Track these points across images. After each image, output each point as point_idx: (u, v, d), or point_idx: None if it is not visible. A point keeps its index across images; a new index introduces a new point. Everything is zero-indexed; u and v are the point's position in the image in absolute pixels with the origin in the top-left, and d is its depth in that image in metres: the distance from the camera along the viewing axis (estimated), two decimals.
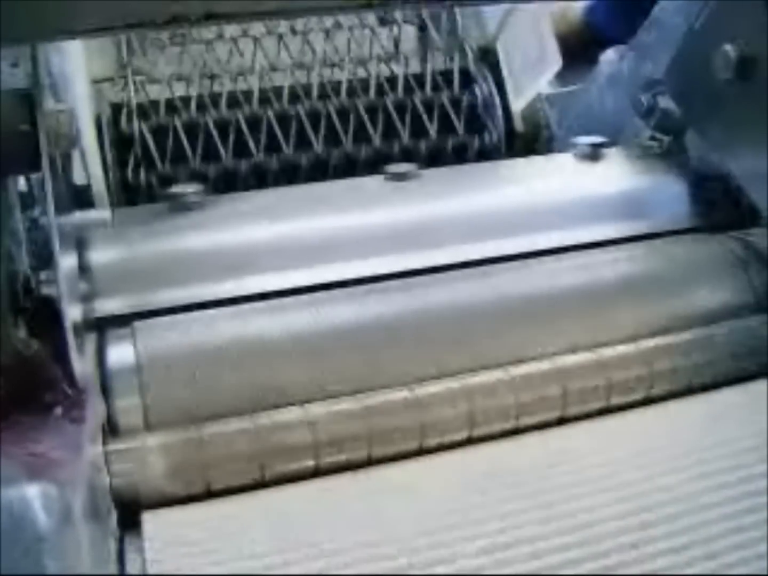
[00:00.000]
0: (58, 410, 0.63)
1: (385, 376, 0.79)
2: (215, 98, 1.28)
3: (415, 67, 1.39)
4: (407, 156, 1.28)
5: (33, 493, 0.46)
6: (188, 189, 0.97)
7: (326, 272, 0.89)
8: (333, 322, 0.82)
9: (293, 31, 1.35)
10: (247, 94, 1.29)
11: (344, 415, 0.75)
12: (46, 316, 0.83)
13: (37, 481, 0.47)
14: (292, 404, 0.75)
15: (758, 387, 0.81)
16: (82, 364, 0.68)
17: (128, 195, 1.23)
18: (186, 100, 1.29)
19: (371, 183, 1.02)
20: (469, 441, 0.78)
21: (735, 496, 0.70)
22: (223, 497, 0.72)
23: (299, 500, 0.71)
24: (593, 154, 1.06)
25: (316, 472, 0.74)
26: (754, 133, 0.97)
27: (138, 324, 0.82)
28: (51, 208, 0.76)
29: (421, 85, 1.34)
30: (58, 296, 0.71)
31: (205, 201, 0.97)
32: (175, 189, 0.98)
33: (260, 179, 1.26)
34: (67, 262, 0.76)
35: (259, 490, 0.73)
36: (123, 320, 0.84)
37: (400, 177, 1.00)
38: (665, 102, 1.13)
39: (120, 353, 0.78)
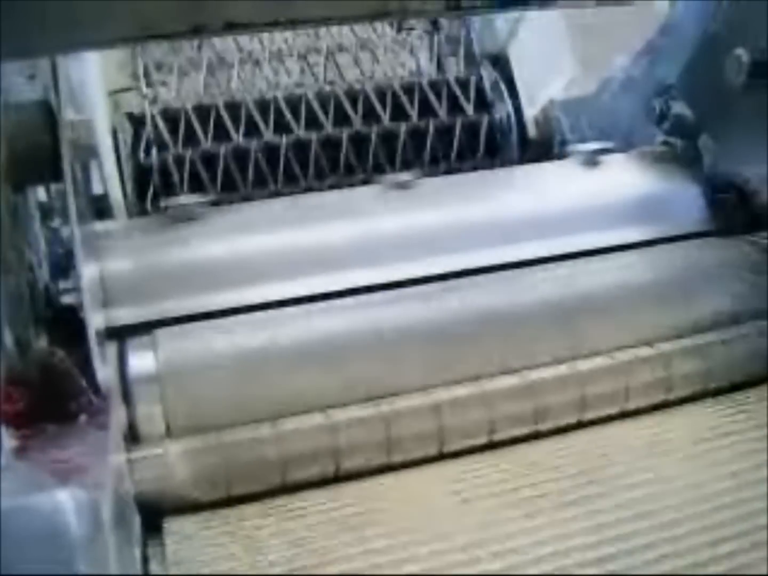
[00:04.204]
0: (83, 418, 0.63)
1: (403, 382, 0.79)
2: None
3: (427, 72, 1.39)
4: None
5: (65, 498, 0.47)
6: (195, 199, 0.98)
7: (334, 281, 0.89)
8: (349, 329, 0.82)
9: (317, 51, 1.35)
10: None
11: (364, 421, 0.76)
12: (67, 325, 0.84)
13: (67, 486, 0.48)
14: (312, 411, 0.76)
15: None
16: (105, 372, 0.69)
17: (143, 205, 1.23)
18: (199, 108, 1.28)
19: (372, 192, 1.02)
20: (492, 445, 0.79)
21: None
22: (245, 502, 0.72)
23: (317, 506, 0.71)
24: (597, 160, 1.06)
25: (336, 478, 0.75)
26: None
27: (158, 332, 0.82)
28: (73, 217, 0.77)
29: (436, 92, 1.34)
30: (82, 306, 0.72)
31: (209, 211, 0.97)
32: (183, 200, 0.98)
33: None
34: (89, 271, 0.77)
35: (279, 494, 0.73)
36: (139, 329, 0.85)
37: (403, 186, 1.01)
38: (678, 107, 1.13)
39: (141, 361, 0.79)
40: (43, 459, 0.56)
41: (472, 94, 1.33)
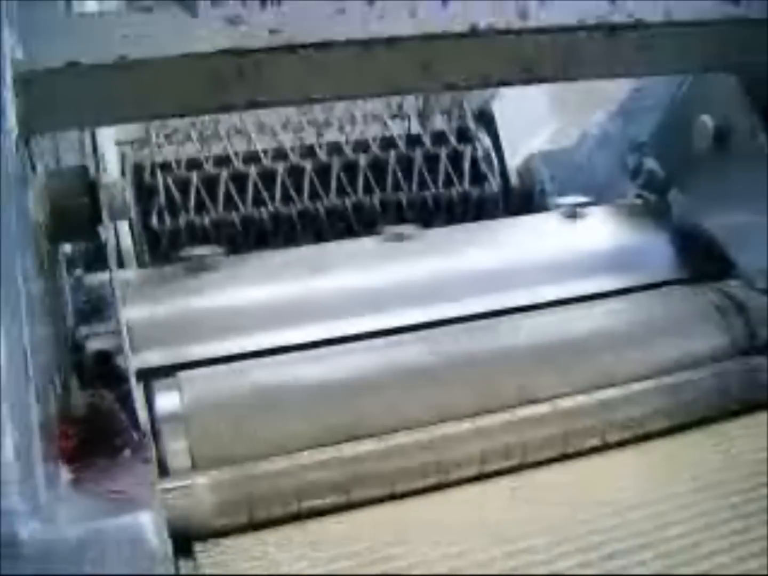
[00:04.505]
0: (127, 452, 0.71)
1: (408, 419, 0.88)
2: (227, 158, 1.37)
3: (415, 127, 1.48)
4: (412, 208, 1.39)
5: (146, 519, 0.55)
6: (205, 251, 1.07)
7: (339, 327, 0.98)
8: (357, 370, 0.91)
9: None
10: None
11: (372, 455, 0.84)
12: (95, 368, 0.92)
13: (139, 511, 0.56)
14: (326, 445, 0.85)
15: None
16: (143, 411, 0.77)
17: (153, 253, 1.32)
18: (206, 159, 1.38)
19: (372, 243, 1.11)
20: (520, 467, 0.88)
21: None
22: (267, 528, 0.81)
23: (339, 529, 0.80)
24: (577, 213, 1.15)
25: (349, 506, 0.83)
26: (730, 194, 1.08)
27: (182, 374, 0.91)
28: (113, 267, 0.85)
29: (422, 143, 1.45)
30: (121, 350, 0.80)
31: (221, 261, 1.06)
32: (195, 251, 1.07)
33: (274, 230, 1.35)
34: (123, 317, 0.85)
35: (297, 521, 0.82)
36: (163, 372, 0.93)
37: (400, 237, 1.10)
38: (650, 163, 1.23)
39: (167, 401, 0.87)
40: (99, 490, 0.64)
41: (466, 164, 1.44)
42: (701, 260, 1.11)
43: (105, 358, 0.90)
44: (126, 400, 0.76)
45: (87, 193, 0.82)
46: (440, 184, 1.42)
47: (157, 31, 0.74)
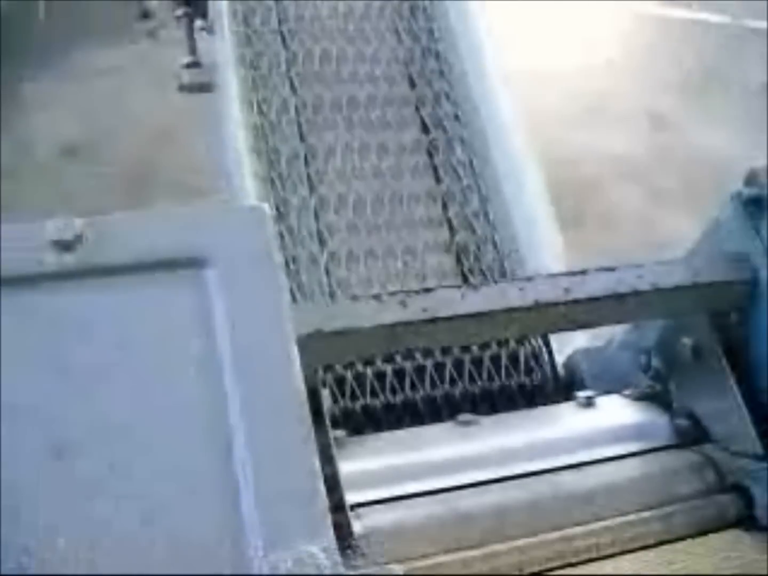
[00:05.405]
0: None
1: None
2: None
3: None
4: (483, 398, 1.95)
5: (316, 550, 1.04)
6: (337, 433, 1.56)
7: (442, 482, 1.50)
8: (476, 506, 1.46)
9: None
10: None
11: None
12: None
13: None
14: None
15: None
16: None
17: None
18: None
19: (450, 426, 1.66)
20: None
21: None
22: None
23: None
24: (591, 402, 1.72)
25: None
26: (709, 390, 1.62)
27: (359, 509, 1.45)
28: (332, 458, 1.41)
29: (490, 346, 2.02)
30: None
31: (346, 441, 1.58)
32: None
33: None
34: None
35: None
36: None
37: (469, 423, 1.66)
38: (655, 363, 1.78)
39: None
40: None
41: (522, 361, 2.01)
42: (689, 432, 1.66)
43: None
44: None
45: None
46: (503, 376, 1.99)
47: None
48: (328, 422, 1.27)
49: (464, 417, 1.68)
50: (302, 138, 2.23)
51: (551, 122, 4.62)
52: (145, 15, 4.86)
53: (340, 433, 1.57)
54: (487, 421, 1.68)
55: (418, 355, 1.95)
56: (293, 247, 2.06)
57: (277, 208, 2.12)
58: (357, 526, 1.36)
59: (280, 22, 2.42)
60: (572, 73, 5.29)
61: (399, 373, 1.93)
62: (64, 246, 1.12)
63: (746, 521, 1.49)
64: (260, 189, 2.15)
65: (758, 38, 6.02)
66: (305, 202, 2.15)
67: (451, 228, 2.20)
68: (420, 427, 1.71)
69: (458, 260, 2.16)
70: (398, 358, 1.94)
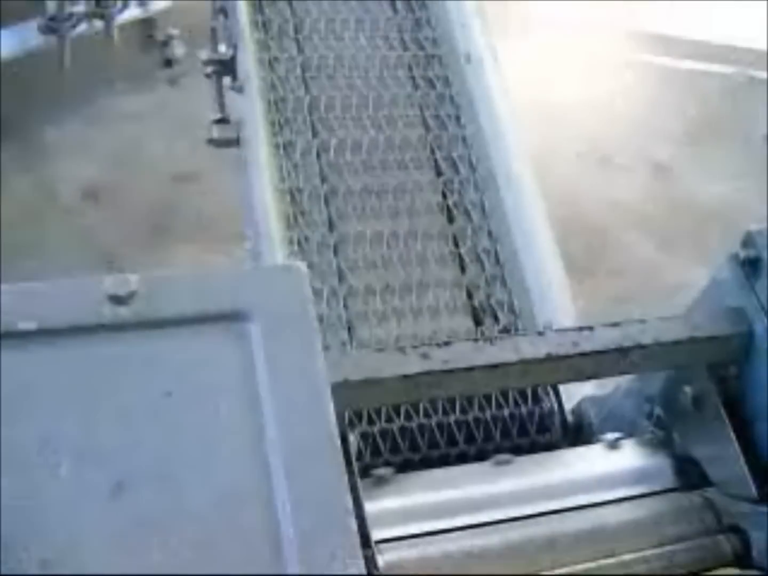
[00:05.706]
0: None
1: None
2: None
3: None
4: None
5: None
6: (383, 471, 1.72)
7: (476, 517, 1.64)
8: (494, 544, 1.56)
9: None
10: None
11: None
12: None
13: None
14: None
15: None
16: None
17: None
18: None
19: (487, 465, 1.78)
20: None
21: None
22: None
23: None
24: (615, 445, 1.82)
25: None
26: (709, 437, 1.72)
27: (382, 545, 1.56)
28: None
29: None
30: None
31: (393, 477, 1.72)
32: (376, 471, 1.73)
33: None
34: None
35: None
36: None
37: (504, 462, 1.77)
38: (658, 411, 1.88)
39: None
40: None
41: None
42: (691, 475, 1.76)
43: None
44: None
45: None
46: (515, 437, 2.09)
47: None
48: (355, 465, 1.37)
49: (501, 457, 1.79)
50: (323, 180, 2.35)
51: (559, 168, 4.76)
52: (168, 63, 5.01)
53: (387, 470, 1.69)
54: (521, 460, 1.80)
55: (438, 414, 2.05)
56: (314, 281, 2.18)
57: (299, 244, 2.25)
58: (380, 560, 1.47)
59: (303, 70, 2.56)
60: (575, 120, 5.42)
61: (421, 429, 2.03)
62: (120, 300, 1.23)
63: (743, 561, 1.59)
64: (283, 229, 2.27)
65: (762, 87, 6.16)
66: (325, 239, 2.27)
67: (462, 265, 2.30)
68: (457, 467, 1.84)
69: (469, 296, 2.26)
70: (420, 416, 2.03)
